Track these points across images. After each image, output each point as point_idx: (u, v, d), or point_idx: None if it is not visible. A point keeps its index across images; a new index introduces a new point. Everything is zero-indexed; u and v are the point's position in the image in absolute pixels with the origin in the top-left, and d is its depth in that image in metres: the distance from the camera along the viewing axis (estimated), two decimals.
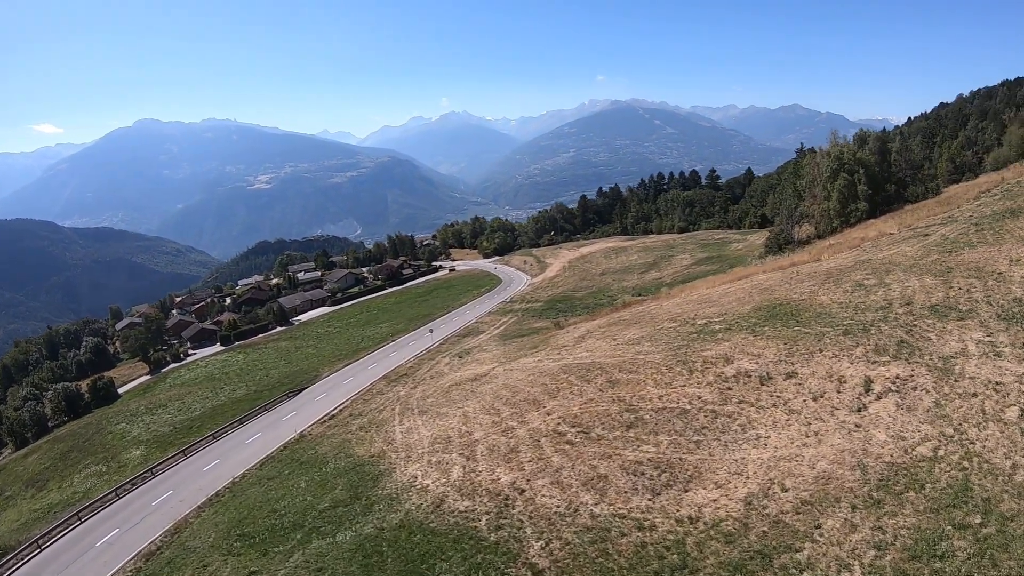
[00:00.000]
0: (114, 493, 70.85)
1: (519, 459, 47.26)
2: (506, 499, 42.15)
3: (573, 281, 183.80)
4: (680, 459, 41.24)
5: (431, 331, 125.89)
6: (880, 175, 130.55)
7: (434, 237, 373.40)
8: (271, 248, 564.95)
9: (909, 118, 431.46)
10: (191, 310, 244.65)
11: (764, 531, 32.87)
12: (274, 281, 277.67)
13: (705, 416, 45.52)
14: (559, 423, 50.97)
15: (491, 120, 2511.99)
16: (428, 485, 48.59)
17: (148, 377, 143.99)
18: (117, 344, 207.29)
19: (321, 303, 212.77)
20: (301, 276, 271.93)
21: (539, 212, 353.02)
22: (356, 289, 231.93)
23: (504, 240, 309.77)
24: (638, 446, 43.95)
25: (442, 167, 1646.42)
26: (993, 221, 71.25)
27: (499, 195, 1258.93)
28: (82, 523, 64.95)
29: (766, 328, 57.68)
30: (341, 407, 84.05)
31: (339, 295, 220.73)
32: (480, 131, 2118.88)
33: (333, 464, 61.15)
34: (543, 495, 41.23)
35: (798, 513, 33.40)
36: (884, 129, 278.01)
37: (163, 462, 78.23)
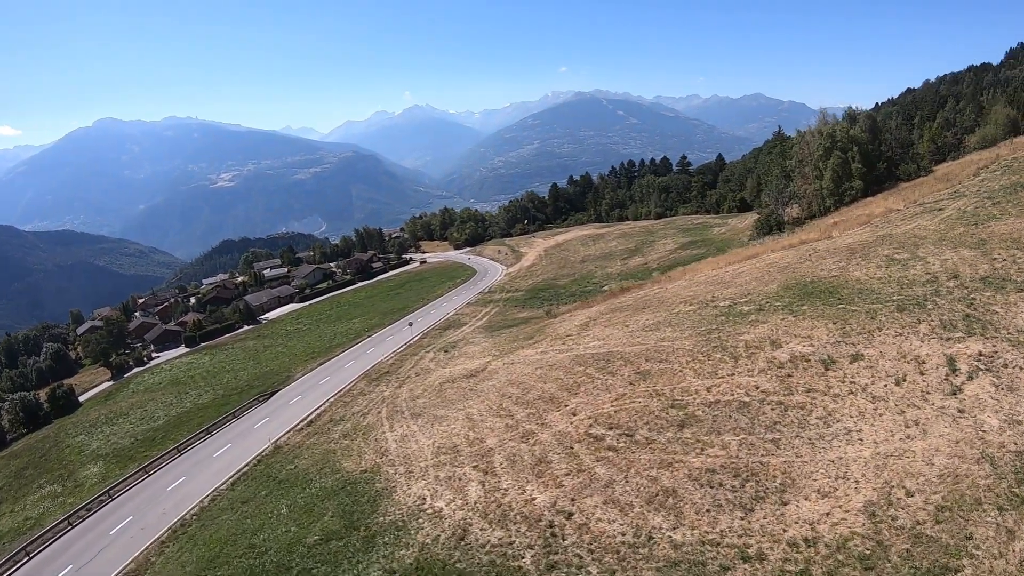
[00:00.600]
0: (67, 521, 61.55)
1: (552, 472, 39.65)
2: (550, 526, 34.34)
3: (552, 269, 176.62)
4: (761, 464, 34.25)
5: (410, 324, 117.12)
6: (873, 153, 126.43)
7: (402, 230, 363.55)
8: (236, 247, 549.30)
9: (877, 103, 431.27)
10: (154, 312, 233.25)
11: (907, 549, 26.13)
12: (240, 279, 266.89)
13: (772, 409, 38.83)
14: (591, 424, 43.51)
15: (455, 113, 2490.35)
16: (442, 509, 40.46)
17: (110, 383, 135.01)
18: (79, 349, 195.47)
19: (289, 300, 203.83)
20: (267, 273, 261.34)
21: (510, 201, 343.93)
22: (325, 284, 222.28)
23: (475, 230, 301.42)
24: (701, 449, 36.83)
25: (406, 161, 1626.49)
26: (1007, 194, 70.65)
27: (464, 188, 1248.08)
28: (30, 559, 55.87)
29: (804, 307, 52.64)
30: (319, 411, 75.26)
31: (307, 291, 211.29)
32: (444, 124, 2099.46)
33: (319, 483, 52.44)
34: (599, 519, 33.61)
35: (938, 522, 26.99)
36: (833, 117, 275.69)
37: (122, 481, 68.86)
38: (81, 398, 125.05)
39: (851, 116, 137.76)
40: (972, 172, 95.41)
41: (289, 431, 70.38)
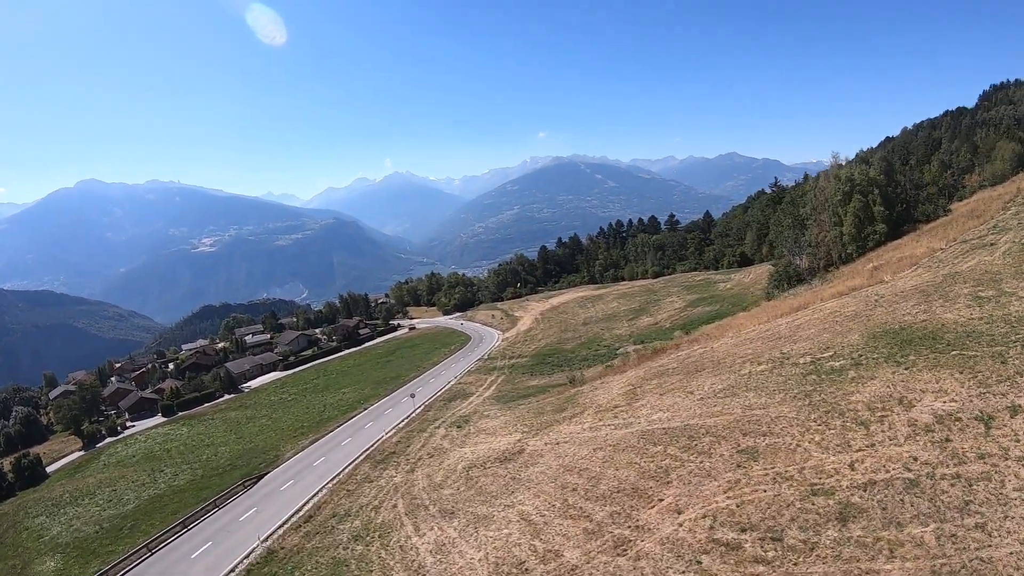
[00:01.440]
0: None
1: None
2: None
3: (554, 333, 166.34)
4: (983, 561, 24.32)
5: (412, 395, 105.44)
6: (892, 195, 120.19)
7: (387, 296, 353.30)
8: (216, 312, 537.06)
9: (857, 152, 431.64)
10: (130, 377, 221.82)
11: None
12: (220, 345, 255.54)
13: (951, 485, 29.50)
14: (711, 526, 32.58)
15: (435, 180, 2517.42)
16: None
17: (80, 453, 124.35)
18: (51, 415, 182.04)
19: (272, 367, 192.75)
20: (249, 339, 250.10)
21: (499, 265, 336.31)
22: (310, 352, 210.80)
23: (464, 295, 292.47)
24: (891, 551, 26.43)
25: (387, 228, 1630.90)
26: None
27: (445, 254, 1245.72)
28: None
29: (912, 358, 45.16)
30: (318, 502, 62.67)
31: (291, 358, 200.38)
32: (424, 191, 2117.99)
33: None
34: None
35: None
36: (807, 175, 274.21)
37: None
38: (49, 468, 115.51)
39: (863, 159, 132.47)
40: (1000, 207, 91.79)
41: (283, 528, 57.93)
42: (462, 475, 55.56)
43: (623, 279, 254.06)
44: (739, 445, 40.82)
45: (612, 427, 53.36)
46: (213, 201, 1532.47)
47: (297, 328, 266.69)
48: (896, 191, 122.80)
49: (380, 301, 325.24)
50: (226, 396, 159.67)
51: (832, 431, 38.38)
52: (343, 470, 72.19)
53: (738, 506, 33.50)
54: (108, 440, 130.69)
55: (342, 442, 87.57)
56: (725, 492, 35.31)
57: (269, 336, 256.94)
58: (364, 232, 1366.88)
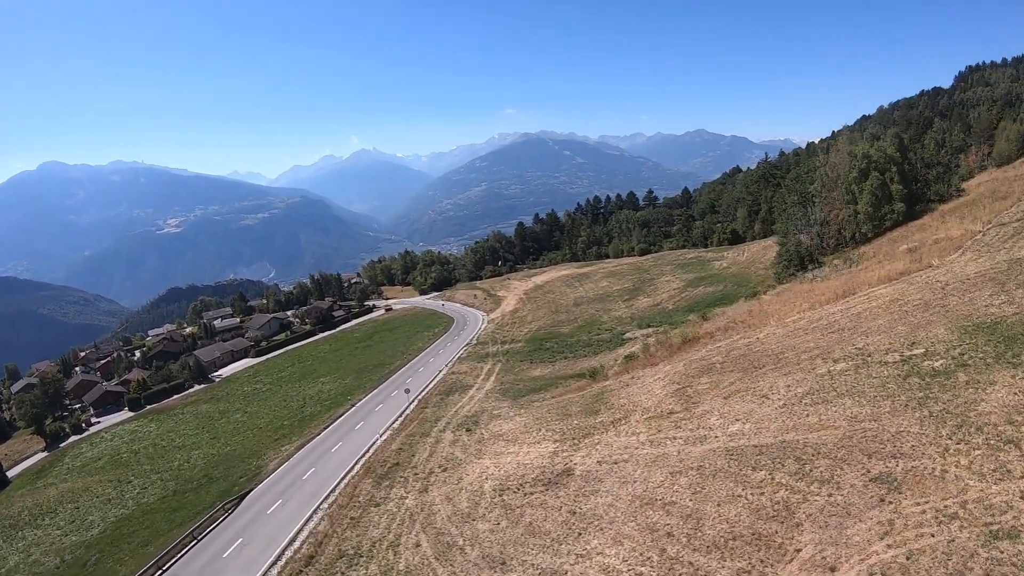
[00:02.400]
0: None
1: None
2: None
3: (544, 315, 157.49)
4: None
5: (407, 391, 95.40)
6: (910, 173, 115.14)
7: (360, 275, 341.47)
8: (183, 295, 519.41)
9: (833, 131, 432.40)
10: (96, 367, 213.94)
11: None
12: (188, 330, 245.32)
13: None
14: None
15: (402, 157, 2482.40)
16: None
17: (44, 454, 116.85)
18: (13, 410, 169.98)
19: (244, 354, 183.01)
20: (218, 324, 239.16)
21: (476, 242, 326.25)
22: (283, 336, 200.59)
23: (441, 274, 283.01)
24: None
25: (355, 206, 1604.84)
26: None
27: (413, 231, 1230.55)
28: None
29: None
30: (318, 535, 51.40)
31: (263, 344, 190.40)
32: (391, 168, 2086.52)
33: None
34: None
35: None
36: (782, 151, 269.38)
37: None
38: (11, 472, 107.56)
39: (874, 135, 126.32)
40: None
41: (277, 570, 48.00)
42: (495, 502, 45.61)
43: (607, 257, 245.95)
44: (868, 470, 32.45)
45: (681, 441, 44.27)
46: (178, 181, 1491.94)
47: (267, 311, 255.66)
48: (909, 169, 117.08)
49: (353, 281, 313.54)
50: (196, 387, 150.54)
51: (978, 451, 30.91)
52: (339, 486, 61.92)
53: (908, 558, 24.93)
54: (73, 439, 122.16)
55: (332, 447, 77.08)
56: (882, 538, 26.75)
57: (239, 320, 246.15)
58: (331, 210, 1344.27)
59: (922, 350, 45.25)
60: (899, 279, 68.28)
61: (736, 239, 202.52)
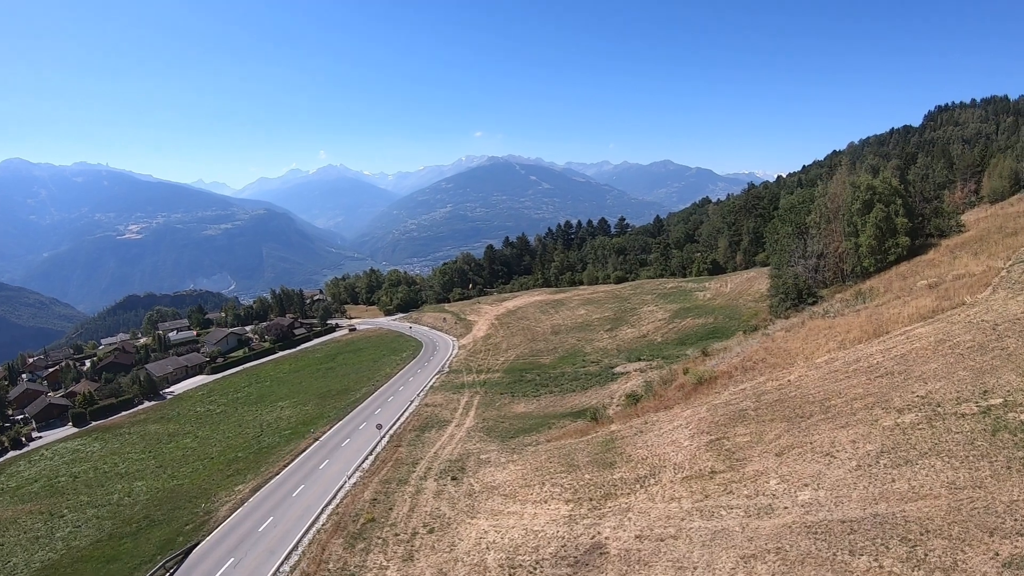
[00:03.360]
0: None
1: None
2: None
3: (520, 342, 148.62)
4: None
5: (379, 427, 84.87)
6: (913, 207, 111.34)
7: (322, 292, 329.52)
8: (140, 303, 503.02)
9: (803, 166, 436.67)
10: (43, 375, 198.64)
11: None
12: (142, 341, 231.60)
13: None
14: None
15: (369, 175, 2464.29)
16: None
17: None
18: None
19: (198, 370, 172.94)
20: (173, 336, 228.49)
21: (444, 264, 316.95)
22: (240, 353, 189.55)
23: (407, 295, 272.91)
24: None
25: (319, 221, 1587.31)
26: None
27: (377, 250, 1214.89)
28: None
29: None
30: None
31: (220, 360, 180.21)
32: (358, 185, 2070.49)
33: None
34: None
35: None
36: (751, 184, 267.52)
37: None
38: None
39: (873, 168, 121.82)
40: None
41: None
42: None
43: (582, 283, 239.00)
44: (996, 552, 24.38)
45: (741, 512, 35.42)
46: (142, 186, 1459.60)
47: (226, 325, 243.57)
48: (912, 203, 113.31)
49: (316, 298, 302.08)
50: (146, 403, 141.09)
51: None
52: (303, 542, 51.66)
53: None
54: (11, 454, 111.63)
55: (293, 491, 66.49)
56: None
57: (195, 333, 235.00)
58: (296, 224, 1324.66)
59: (1000, 399, 37.86)
60: (934, 318, 61.13)
61: (717, 269, 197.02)
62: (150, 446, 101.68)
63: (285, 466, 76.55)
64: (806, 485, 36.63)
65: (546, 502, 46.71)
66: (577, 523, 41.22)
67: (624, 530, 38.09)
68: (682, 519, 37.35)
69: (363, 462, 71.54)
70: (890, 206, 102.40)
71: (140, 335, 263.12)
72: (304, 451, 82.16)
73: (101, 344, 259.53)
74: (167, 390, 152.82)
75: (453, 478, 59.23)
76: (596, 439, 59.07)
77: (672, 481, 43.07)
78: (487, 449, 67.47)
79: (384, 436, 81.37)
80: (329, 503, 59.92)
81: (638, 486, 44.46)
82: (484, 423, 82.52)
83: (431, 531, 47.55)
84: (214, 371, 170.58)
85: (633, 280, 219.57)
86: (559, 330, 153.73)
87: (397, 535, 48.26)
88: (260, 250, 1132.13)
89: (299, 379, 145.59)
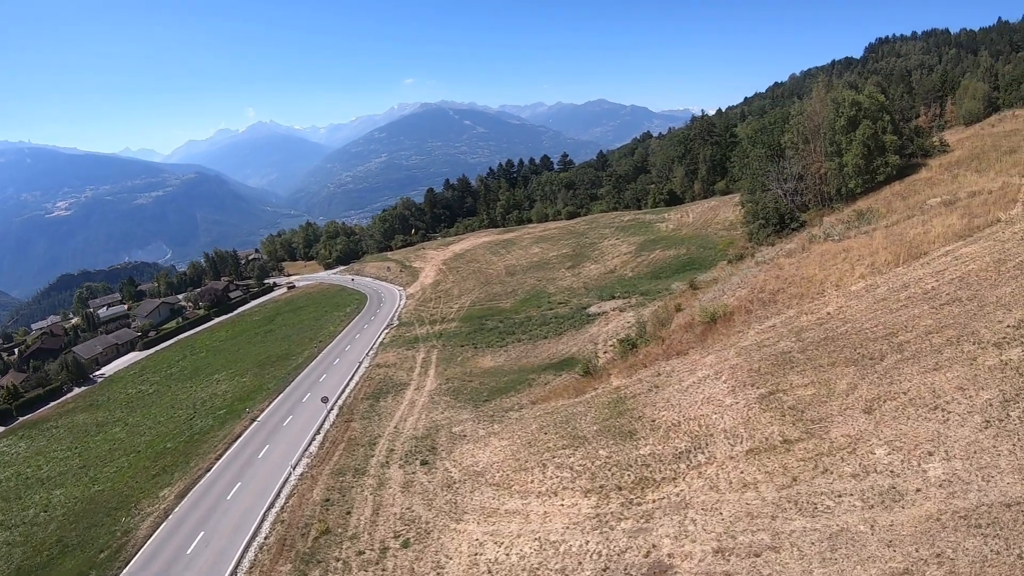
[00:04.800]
0: None
1: None
2: None
3: (474, 287, 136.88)
4: None
5: (325, 399, 71.94)
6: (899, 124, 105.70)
7: (258, 252, 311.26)
8: (75, 281, 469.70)
9: (745, 97, 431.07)
10: None
11: None
12: (73, 322, 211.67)
13: None
14: None
15: (300, 129, 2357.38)
16: None
17: None
18: None
19: (130, 347, 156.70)
20: (103, 313, 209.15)
21: (384, 211, 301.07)
22: (174, 324, 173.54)
23: (347, 246, 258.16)
24: None
25: (252, 180, 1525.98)
26: None
27: (313, 206, 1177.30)
28: None
29: None
30: None
31: (152, 333, 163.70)
32: (289, 141, 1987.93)
33: None
34: None
35: None
36: (693, 117, 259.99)
37: None
38: None
39: (852, 84, 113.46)
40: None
41: None
42: None
43: (530, 221, 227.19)
44: None
45: (858, 502, 24.67)
46: (68, 160, 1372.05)
47: (158, 295, 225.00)
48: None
49: (251, 258, 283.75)
50: (76, 390, 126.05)
51: None
52: (240, 574, 39.79)
53: None
54: None
55: (228, 492, 53.42)
56: None
57: (127, 307, 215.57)
58: (228, 186, 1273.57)
59: None
60: (973, 236, 52.44)
61: (673, 200, 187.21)
62: (77, 440, 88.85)
63: (218, 458, 63.29)
64: (930, 454, 26.22)
65: (556, 494, 35.34)
66: (613, 528, 29.89)
67: (692, 540, 26.76)
68: (772, 517, 26.28)
69: (309, 445, 59.11)
70: (877, 123, 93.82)
71: (71, 315, 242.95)
72: (240, 435, 68.92)
73: (32, 330, 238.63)
74: (98, 372, 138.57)
75: (423, 462, 47.47)
76: (598, 399, 47.76)
77: (731, 457, 32.02)
78: (459, 419, 55.82)
79: (332, 409, 68.81)
80: (271, 506, 47.53)
81: (683, 466, 33.29)
82: (448, 383, 70.76)
83: (405, 544, 35.81)
84: (147, 346, 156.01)
85: (586, 215, 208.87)
86: (514, 271, 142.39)
87: (361, 553, 36.26)
88: (194, 215, 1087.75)
89: (236, 346, 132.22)
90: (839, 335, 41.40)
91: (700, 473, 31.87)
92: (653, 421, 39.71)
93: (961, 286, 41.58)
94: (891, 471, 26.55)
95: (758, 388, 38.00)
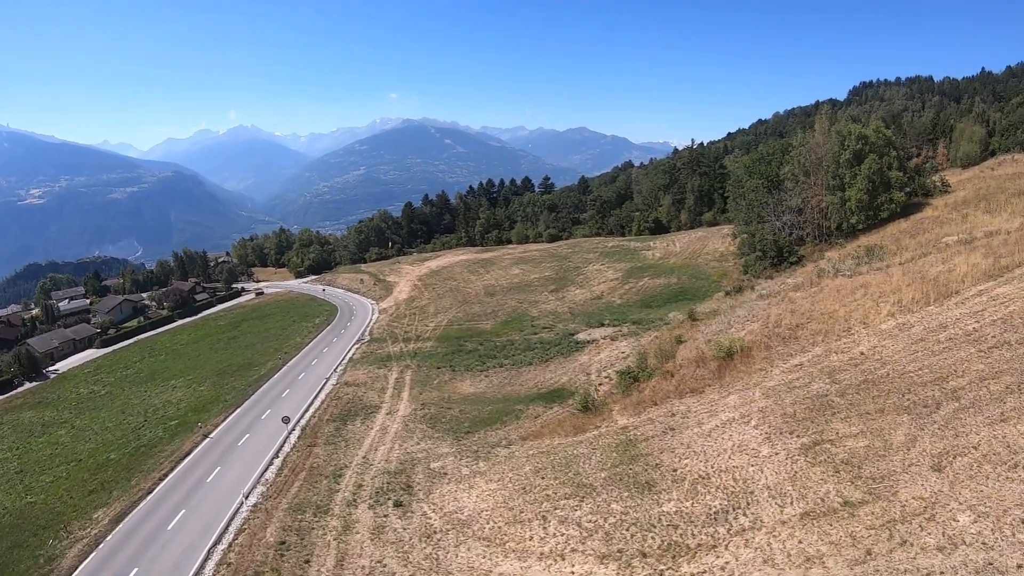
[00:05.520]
0: None
1: None
2: None
3: (450, 305, 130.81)
4: None
5: (287, 419, 64.99)
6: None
7: (228, 254, 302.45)
8: (42, 271, 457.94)
9: (729, 132, 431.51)
10: None
11: None
12: (33, 312, 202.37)
13: None
14: None
15: (280, 136, 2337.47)
16: None
17: None
18: None
19: (87, 343, 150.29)
20: (64, 305, 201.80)
21: (360, 222, 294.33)
22: (135, 323, 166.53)
23: (320, 255, 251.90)
24: None
25: (229, 183, 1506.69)
26: None
27: (288, 214, 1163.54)
28: None
29: None
30: None
31: (112, 331, 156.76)
32: (269, 147, 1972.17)
33: None
34: None
35: None
36: (676, 150, 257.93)
37: None
38: None
39: (853, 118, 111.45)
40: None
41: None
42: None
43: (510, 242, 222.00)
44: None
45: None
46: (44, 148, 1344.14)
47: (123, 291, 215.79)
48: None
49: (221, 260, 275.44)
50: (27, 384, 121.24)
51: None
52: None
53: None
54: None
55: (170, 520, 46.09)
56: None
57: (89, 302, 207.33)
58: (205, 187, 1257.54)
59: None
60: (1004, 276, 48.23)
61: (659, 228, 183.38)
62: (20, 440, 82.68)
63: (163, 477, 56.06)
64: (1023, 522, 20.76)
65: (563, 557, 29.27)
66: None
67: None
68: None
69: (266, 471, 52.40)
70: (883, 158, 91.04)
71: (33, 306, 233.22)
72: (190, 453, 61.74)
73: None
74: (51, 368, 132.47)
75: (397, 503, 41.02)
76: (603, 439, 41.94)
77: (783, 522, 26.38)
78: (438, 452, 49.60)
79: (293, 430, 62.16)
80: (217, 542, 40.82)
81: (723, 530, 27.51)
82: (424, 409, 64.42)
83: None
84: (105, 344, 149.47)
85: (567, 239, 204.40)
86: (493, 291, 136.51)
87: None
88: (168, 214, 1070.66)
89: (197, 351, 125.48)
90: (880, 378, 36.35)
91: (747, 541, 26.16)
92: (674, 471, 34.01)
93: (1006, 328, 37.27)
94: (983, 542, 21.40)
95: (798, 437, 32.53)
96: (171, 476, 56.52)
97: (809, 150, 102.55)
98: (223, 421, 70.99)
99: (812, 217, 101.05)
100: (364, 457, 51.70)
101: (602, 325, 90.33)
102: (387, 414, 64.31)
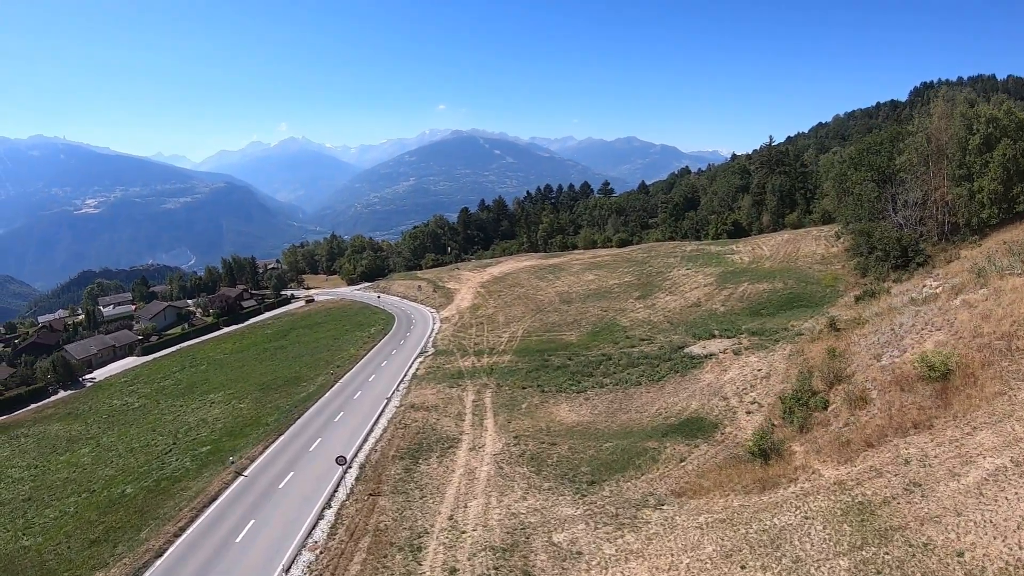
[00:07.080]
0: None
1: None
2: None
3: (522, 314, 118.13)
4: None
5: (342, 460, 49.05)
6: None
7: (279, 262, 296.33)
8: (96, 278, 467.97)
9: (788, 136, 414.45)
10: None
11: None
12: (79, 318, 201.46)
13: None
14: None
15: (331, 147, 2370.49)
16: None
17: None
18: None
19: (128, 350, 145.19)
20: (109, 311, 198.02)
21: (414, 228, 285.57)
22: (178, 330, 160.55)
23: (373, 262, 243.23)
24: None
25: (280, 194, 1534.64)
26: None
27: (338, 224, 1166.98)
28: None
29: None
30: None
31: (154, 338, 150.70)
32: (320, 158, 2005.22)
33: None
34: None
35: None
36: (710, 164, 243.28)
37: None
38: None
39: (969, 101, 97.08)
40: None
41: None
42: None
43: (575, 247, 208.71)
44: None
45: None
46: (100, 160, 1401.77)
47: (170, 298, 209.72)
48: None
49: (270, 267, 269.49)
50: (61, 393, 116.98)
51: None
52: None
53: None
54: None
55: None
56: None
57: (134, 307, 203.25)
58: (256, 198, 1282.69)
59: None
60: None
61: (739, 231, 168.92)
62: (41, 457, 75.08)
63: (180, 532, 43.43)
64: None
65: None
66: None
67: None
68: None
69: (313, 528, 39.72)
70: (1017, 143, 77.80)
71: (79, 311, 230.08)
72: (218, 497, 49.01)
73: (38, 322, 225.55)
74: (89, 375, 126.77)
75: None
76: (812, 501, 27.92)
77: None
78: (558, 515, 35.91)
79: (350, 473, 49.59)
80: None
81: None
82: (519, 444, 51.08)
83: None
84: (146, 351, 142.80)
85: (638, 243, 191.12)
86: (569, 299, 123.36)
87: None
88: (220, 224, 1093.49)
89: (241, 362, 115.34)
90: None
91: None
92: (960, 556, 20.48)
93: None
94: None
95: None
96: (190, 530, 43.84)
97: (929, 136, 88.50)
98: (261, 453, 58.47)
99: (935, 211, 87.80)
100: (450, 517, 38.52)
101: (713, 336, 76.47)
102: (470, 449, 51.26)
